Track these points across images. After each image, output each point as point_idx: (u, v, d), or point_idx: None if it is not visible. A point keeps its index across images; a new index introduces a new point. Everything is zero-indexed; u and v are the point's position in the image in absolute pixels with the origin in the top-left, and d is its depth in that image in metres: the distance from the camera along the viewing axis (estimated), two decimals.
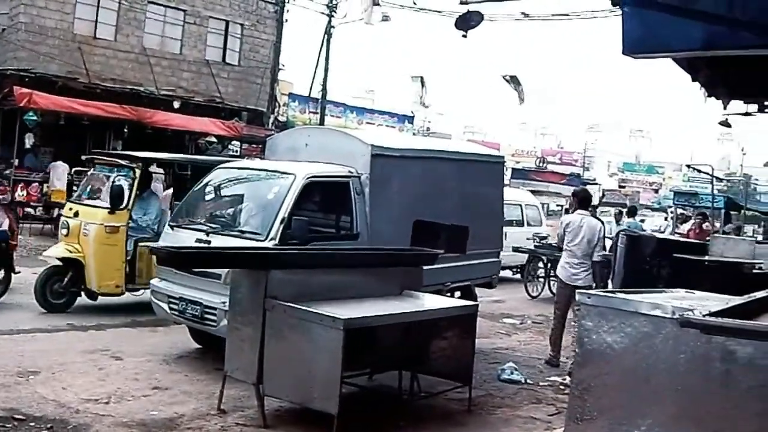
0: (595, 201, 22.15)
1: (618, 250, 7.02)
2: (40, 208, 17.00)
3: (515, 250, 13.93)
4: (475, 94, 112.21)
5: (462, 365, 6.43)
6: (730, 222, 24.47)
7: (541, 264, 14.80)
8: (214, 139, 21.75)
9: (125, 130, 19.36)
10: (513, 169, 31.53)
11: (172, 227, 7.78)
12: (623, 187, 51.04)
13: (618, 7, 4.20)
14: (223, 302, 6.41)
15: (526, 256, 14.64)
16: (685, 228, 18.67)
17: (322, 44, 26.04)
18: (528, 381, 7.59)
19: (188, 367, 7.18)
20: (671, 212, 29.13)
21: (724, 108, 6.64)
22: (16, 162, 17.67)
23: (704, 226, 16.88)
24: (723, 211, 25.38)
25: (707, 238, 10.64)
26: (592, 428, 3.28)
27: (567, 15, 15.97)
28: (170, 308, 7.39)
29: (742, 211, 27.97)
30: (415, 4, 21.04)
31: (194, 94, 22.98)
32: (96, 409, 5.71)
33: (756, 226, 31.09)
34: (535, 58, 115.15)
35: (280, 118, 26.20)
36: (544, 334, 9.51)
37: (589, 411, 3.28)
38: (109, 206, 9.01)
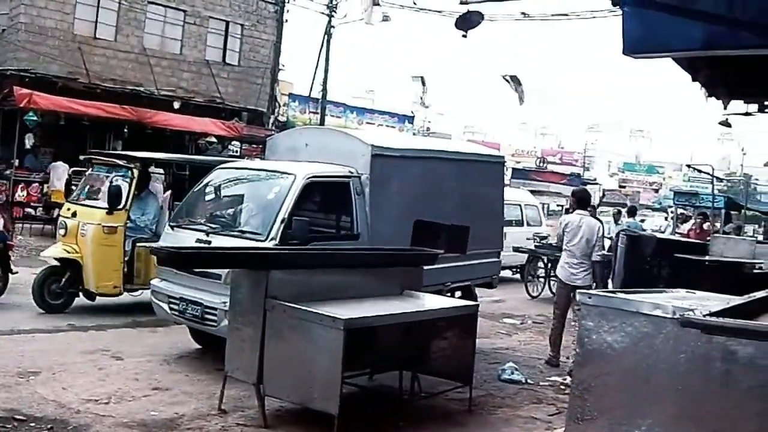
0: (595, 201, 22.20)
1: (618, 250, 7.01)
2: (40, 208, 17.01)
3: (515, 250, 13.94)
4: (475, 94, 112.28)
5: (462, 365, 6.43)
6: (731, 222, 24.47)
7: (541, 264, 14.84)
8: (214, 140, 21.72)
9: (125, 131, 19.33)
10: (513, 169, 31.50)
11: (172, 227, 7.78)
12: (623, 187, 51.09)
13: (618, 7, 4.20)
14: (224, 302, 6.41)
15: (526, 256, 14.66)
16: (685, 228, 18.69)
17: (322, 44, 26.05)
18: (528, 381, 7.60)
19: (188, 367, 7.18)
20: (671, 212, 29.12)
21: (724, 108, 6.63)
22: (17, 162, 17.65)
23: (705, 226, 16.89)
24: (723, 211, 25.37)
25: (708, 238, 10.64)
26: (592, 428, 3.28)
27: (567, 15, 15.96)
28: (170, 308, 7.39)
29: (743, 211, 28.01)
30: (415, 4, 21.04)
31: (194, 95, 22.97)
32: (96, 409, 5.71)
33: (756, 226, 31.14)
34: (535, 58, 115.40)
35: (280, 119, 26.17)
36: (544, 334, 9.51)
37: (589, 411, 3.28)
38: (107, 206, 9.00)
